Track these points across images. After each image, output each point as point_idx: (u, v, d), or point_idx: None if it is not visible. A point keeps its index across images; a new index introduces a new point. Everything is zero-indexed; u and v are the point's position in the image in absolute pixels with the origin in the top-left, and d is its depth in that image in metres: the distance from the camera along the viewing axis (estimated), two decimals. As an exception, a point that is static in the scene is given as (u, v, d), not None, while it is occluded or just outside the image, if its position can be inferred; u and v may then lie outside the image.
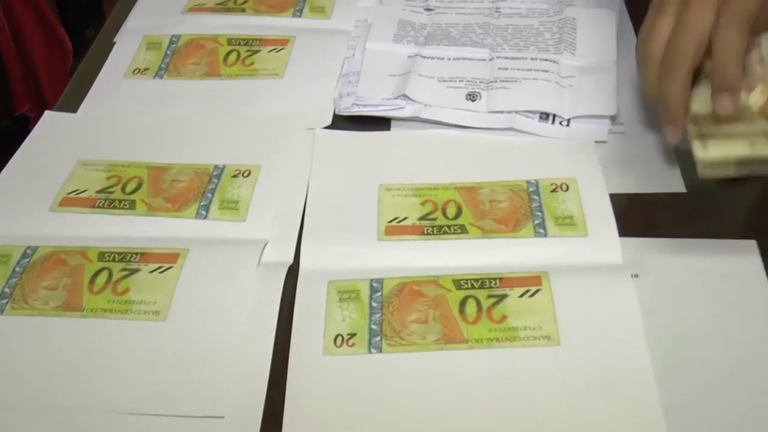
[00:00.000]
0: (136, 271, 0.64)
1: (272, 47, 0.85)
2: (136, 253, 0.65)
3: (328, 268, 0.64)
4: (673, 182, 0.70)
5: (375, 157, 0.74)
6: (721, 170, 0.60)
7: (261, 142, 0.75)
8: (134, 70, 0.83)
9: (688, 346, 0.59)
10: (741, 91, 0.62)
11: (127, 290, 0.63)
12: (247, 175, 0.72)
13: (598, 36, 0.83)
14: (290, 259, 0.65)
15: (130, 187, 0.71)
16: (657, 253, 0.65)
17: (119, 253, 0.65)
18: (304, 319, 0.61)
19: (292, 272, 0.65)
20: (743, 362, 0.58)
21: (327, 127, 0.77)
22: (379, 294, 0.62)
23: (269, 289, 0.63)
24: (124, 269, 0.64)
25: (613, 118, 0.75)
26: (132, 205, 0.70)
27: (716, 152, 0.60)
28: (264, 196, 0.70)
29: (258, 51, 0.85)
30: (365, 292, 0.62)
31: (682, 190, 0.70)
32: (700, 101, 0.64)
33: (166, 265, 0.64)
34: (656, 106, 0.66)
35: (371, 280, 0.63)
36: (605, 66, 0.79)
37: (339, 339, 0.60)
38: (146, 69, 0.83)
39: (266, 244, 0.66)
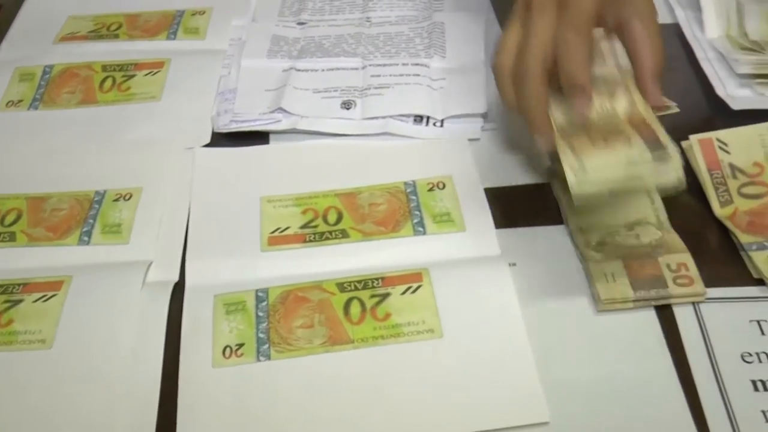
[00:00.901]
0: (19, 301, 0.64)
1: (148, 71, 0.85)
2: (19, 284, 0.65)
3: (214, 283, 0.65)
4: (541, 173, 0.73)
5: (255, 171, 0.74)
6: (595, 199, 0.62)
7: (141, 165, 0.75)
8: (7, 103, 0.83)
9: (566, 329, 0.62)
10: (591, 90, 0.63)
11: (10, 321, 0.62)
12: (129, 199, 0.72)
13: (467, 38, 0.86)
14: (175, 277, 0.66)
15: (8, 220, 0.70)
16: (533, 241, 0.68)
17: (1, 286, 0.65)
18: (191, 334, 0.61)
19: (179, 290, 0.65)
20: (618, 340, 0.61)
21: (206, 146, 0.77)
22: (264, 303, 0.63)
23: (155, 308, 0.63)
24: (6, 301, 0.64)
25: (484, 116, 0.78)
26: (12, 237, 0.69)
27: (593, 174, 0.60)
28: (146, 218, 0.70)
29: (134, 75, 0.85)
30: (251, 302, 0.63)
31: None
32: (563, 112, 0.66)
33: (50, 293, 0.64)
34: (520, 119, 0.67)
35: (256, 291, 0.64)
36: (474, 66, 0.82)
37: (227, 350, 0.60)
38: (20, 101, 0.83)
39: (150, 264, 0.66)
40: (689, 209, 0.70)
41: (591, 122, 0.64)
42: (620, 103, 0.65)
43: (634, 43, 0.66)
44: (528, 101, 0.64)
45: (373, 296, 0.63)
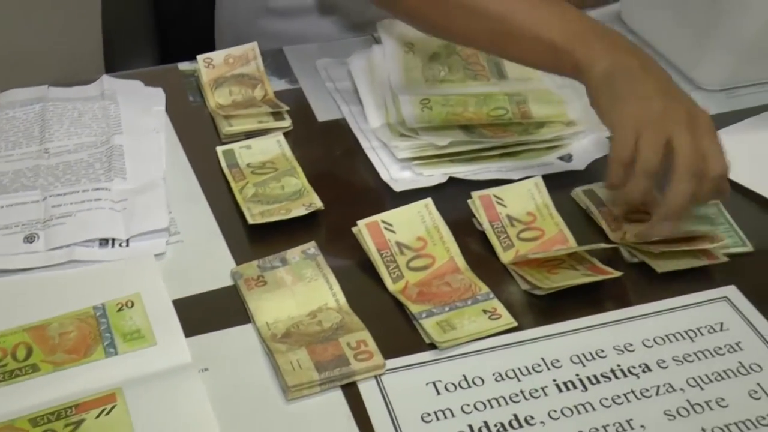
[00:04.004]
0: None
1: None
2: None
3: None
4: (226, 277, 0.77)
5: (-61, 319, 0.73)
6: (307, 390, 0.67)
7: None
8: None
9: (259, 423, 0.65)
10: None
11: None
12: None
13: (146, 157, 0.88)
14: None
15: None
16: (224, 344, 0.71)
17: None
18: None
19: None
20: (310, 425, 0.65)
21: None
22: (-47, 454, 0.62)
23: None
24: None
25: (168, 231, 0.80)
26: None
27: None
28: None
29: None
30: (-60, 456, 0.62)
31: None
32: None
33: None
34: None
35: (-56, 443, 0.63)
36: (155, 183, 0.85)
37: None
38: None
39: None
40: (366, 289, 0.76)
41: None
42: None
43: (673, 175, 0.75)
44: (637, 191, 0.74)
45: (67, 425, 0.63)
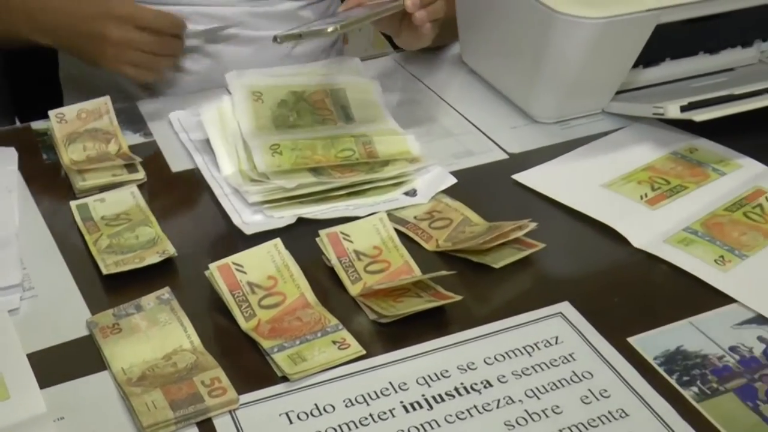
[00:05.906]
0: None
1: None
2: None
3: None
4: (82, 327, 0.78)
5: None
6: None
7: None
8: None
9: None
10: None
11: None
12: None
13: (-2, 215, 0.90)
14: None
15: None
16: (81, 392, 0.72)
17: None
18: None
19: None
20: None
21: None
22: None
23: None
24: None
25: (22, 286, 0.81)
26: None
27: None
28: None
29: None
30: None
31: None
32: None
33: None
34: None
35: None
36: (7, 241, 0.86)
37: None
38: None
39: None
40: (220, 329, 0.78)
41: None
42: None
43: None
44: None
45: None
